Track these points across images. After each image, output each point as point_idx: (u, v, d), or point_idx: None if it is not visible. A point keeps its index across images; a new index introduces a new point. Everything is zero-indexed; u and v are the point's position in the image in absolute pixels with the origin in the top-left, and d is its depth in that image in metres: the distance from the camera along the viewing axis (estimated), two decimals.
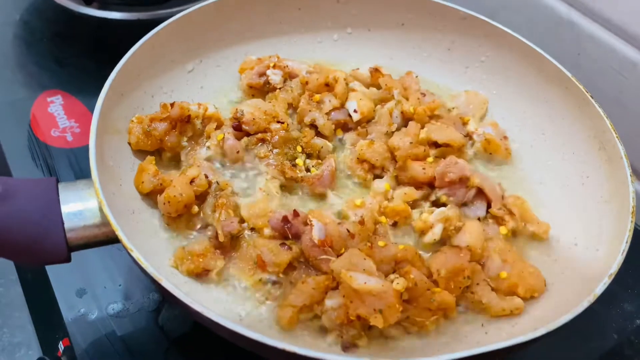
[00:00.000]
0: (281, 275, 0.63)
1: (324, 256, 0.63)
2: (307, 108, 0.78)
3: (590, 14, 0.92)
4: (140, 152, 0.72)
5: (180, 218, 0.67)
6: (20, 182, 0.60)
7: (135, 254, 0.55)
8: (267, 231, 0.65)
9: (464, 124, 0.81)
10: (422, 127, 0.77)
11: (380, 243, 0.64)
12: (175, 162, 0.74)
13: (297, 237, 0.65)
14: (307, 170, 0.73)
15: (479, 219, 0.71)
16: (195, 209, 0.67)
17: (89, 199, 0.61)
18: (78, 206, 0.60)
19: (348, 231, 0.66)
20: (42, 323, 0.79)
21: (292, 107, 0.81)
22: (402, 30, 0.91)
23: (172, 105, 0.72)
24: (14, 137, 0.90)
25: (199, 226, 0.67)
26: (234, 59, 0.87)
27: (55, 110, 0.94)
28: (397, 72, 0.88)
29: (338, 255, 0.63)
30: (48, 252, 0.58)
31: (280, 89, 0.82)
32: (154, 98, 0.78)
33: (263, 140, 0.74)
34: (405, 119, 0.79)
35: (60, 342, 0.71)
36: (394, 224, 0.70)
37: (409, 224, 0.71)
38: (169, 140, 0.72)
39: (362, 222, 0.67)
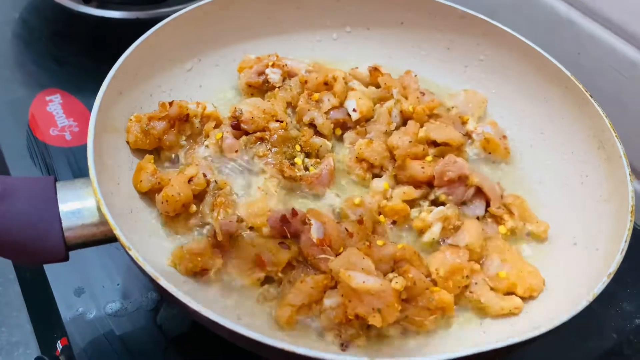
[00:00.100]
0: (280, 274, 0.63)
1: (323, 255, 0.63)
2: (306, 107, 0.78)
3: (590, 13, 0.92)
4: (139, 151, 0.72)
5: (178, 217, 0.67)
6: (18, 181, 0.60)
7: (134, 253, 0.55)
8: (265, 230, 0.65)
9: (463, 123, 0.81)
10: (421, 126, 0.76)
11: (379, 242, 0.64)
12: (174, 161, 0.74)
13: (295, 236, 0.65)
14: (306, 169, 0.73)
15: (478, 218, 0.71)
16: (194, 208, 0.67)
17: (87, 197, 0.60)
18: (76, 205, 0.60)
19: (347, 230, 0.66)
20: (41, 322, 0.79)
21: (291, 106, 0.81)
22: (401, 29, 0.90)
23: (170, 104, 0.72)
24: (13, 136, 0.90)
25: (197, 225, 0.67)
26: (233, 57, 0.87)
27: (54, 109, 0.94)
28: (396, 71, 0.87)
29: (337, 255, 0.63)
30: (46, 251, 0.58)
31: (279, 87, 0.82)
32: (152, 97, 0.78)
33: (262, 139, 0.74)
34: (405, 118, 0.79)
35: (59, 342, 0.71)
36: (393, 223, 0.70)
37: (408, 223, 0.71)
38: (167, 139, 0.72)
39: (360, 221, 0.67)
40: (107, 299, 0.72)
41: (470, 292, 0.64)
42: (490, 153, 0.79)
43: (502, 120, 0.83)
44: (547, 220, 0.72)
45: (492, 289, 0.65)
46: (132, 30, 0.77)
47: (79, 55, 1.04)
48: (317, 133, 0.77)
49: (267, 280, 0.64)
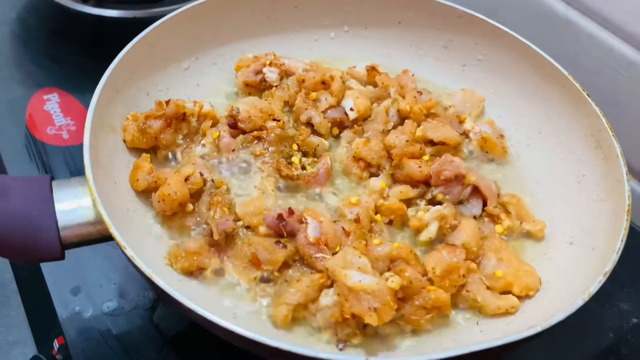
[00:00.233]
0: (276, 273, 0.63)
1: (319, 254, 0.63)
2: (303, 106, 0.78)
3: (588, 12, 0.92)
4: (136, 150, 0.72)
5: (175, 216, 0.66)
6: (14, 180, 0.60)
7: (129, 252, 0.55)
8: (262, 229, 0.65)
9: (461, 122, 0.81)
10: (418, 126, 0.76)
11: (376, 241, 0.64)
12: (171, 160, 0.74)
13: (292, 235, 0.65)
14: (303, 168, 0.73)
15: (474, 217, 0.71)
16: (190, 207, 0.67)
17: (83, 196, 0.60)
18: (72, 204, 0.60)
19: (343, 229, 0.65)
20: (37, 321, 0.79)
21: (289, 105, 0.81)
22: (399, 28, 0.90)
23: (167, 102, 0.72)
24: (10, 135, 0.90)
25: (193, 224, 0.67)
26: (230, 56, 0.87)
27: (52, 108, 0.94)
28: (393, 70, 0.87)
29: (333, 254, 0.63)
30: (42, 250, 0.58)
31: (276, 86, 0.82)
32: (149, 95, 0.78)
33: (259, 138, 0.74)
34: (402, 118, 0.79)
35: (55, 341, 0.71)
36: (390, 222, 0.70)
37: (404, 222, 0.71)
38: (164, 137, 0.72)
39: (357, 220, 0.67)
40: (104, 298, 0.72)
41: (467, 291, 0.64)
42: (487, 152, 0.79)
43: (499, 119, 0.83)
44: (543, 219, 0.72)
45: (488, 288, 0.65)
46: (130, 29, 0.77)
47: (77, 54, 1.04)
48: (315, 132, 0.77)
49: (264, 279, 0.64)
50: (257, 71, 0.83)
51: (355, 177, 0.75)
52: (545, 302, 0.64)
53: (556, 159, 0.78)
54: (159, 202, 0.65)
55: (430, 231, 0.67)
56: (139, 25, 0.77)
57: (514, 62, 0.83)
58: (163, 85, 0.80)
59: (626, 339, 0.75)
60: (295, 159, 0.73)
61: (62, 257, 0.60)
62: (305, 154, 0.75)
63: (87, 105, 0.66)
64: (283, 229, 0.64)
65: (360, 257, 0.61)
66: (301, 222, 0.65)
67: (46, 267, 0.74)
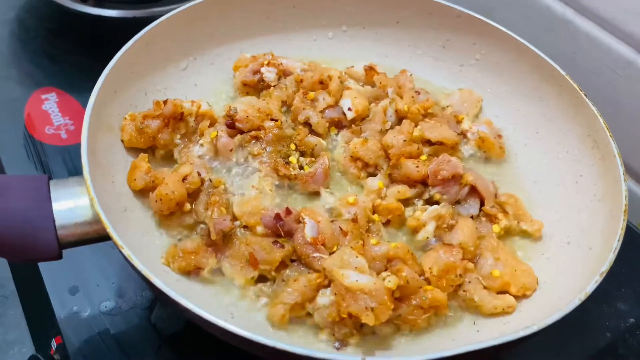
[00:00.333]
0: (273, 273, 0.63)
1: (317, 254, 0.63)
2: (301, 106, 0.78)
3: (585, 12, 0.92)
4: (133, 150, 0.72)
5: (172, 216, 0.67)
6: (11, 179, 0.60)
7: (126, 251, 0.55)
8: (259, 229, 0.65)
9: (458, 122, 0.81)
10: (416, 125, 0.76)
11: (373, 241, 0.64)
12: (168, 159, 0.74)
13: (289, 234, 0.65)
14: (301, 168, 0.73)
15: (472, 217, 0.71)
16: (188, 206, 0.67)
17: (80, 196, 0.60)
18: (69, 203, 0.60)
19: (341, 229, 0.66)
20: (35, 321, 0.80)
21: (286, 104, 0.81)
22: (396, 28, 0.90)
23: (165, 102, 0.72)
24: (8, 135, 0.90)
25: (191, 224, 0.67)
26: (228, 56, 0.87)
27: (50, 108, 0.94)
28: (391, 70, 0.87)
29: (330, 253, 0.63)
30: (39, 250, 0.58)
31: (274, 86, 0.82)
32: (147, 95, 0.78)
33: (256, 138, 0.74)
34: (400, 117, 0.79)
35: (53, 340, 0.71)
36: (387, 222, 0.70)
37: (402, 222, 0.71)
38: (161, 137, 0.72)
39: (355, 220, 0.67)
40: (102, 298, 0.72)
41: (464, 290, 0.64)
42: (485, 152, 0.79)
43: (497, 119, 0.84)
44: (541, 219, 0.72)
45: (485, 287, 0.65)
46: (129, 28, 0.77)
47: (76, 53, 1.04)
48: (312, 132, 0.77)
49: (261, 278, 0.64)
50: (255, 71, 0.83)
51: (352, 177, 0.75)
52: (542, 301, 0.64)
53: (554, 159, 0.78)
54: (156, 201, 0.65)
55: (428, 231, 0.68)
56: (138, 25, 0.77)
57: (512, 62, 0.83)
58: (161, 85, 0.80)
59: (623, 339, 0.75)
60: (293, 159, 0.73)
61: (59, 257, 0.60)
62: (303, 154, 0.75)
63: (85, 105, 0.66)
64: (280, 229, 0.65)
65: (357, 256, 0.61)
66: (299, 221, 0.65)
67: (44, 267, 0.74)
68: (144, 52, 0.76)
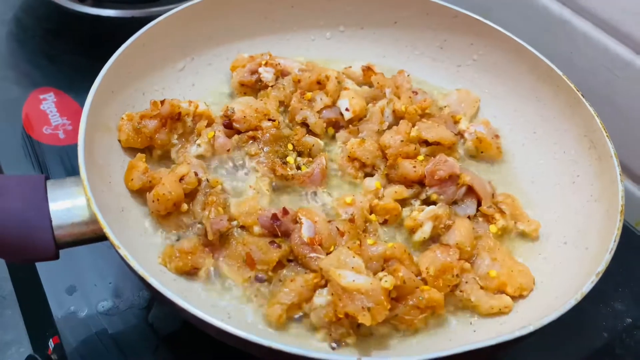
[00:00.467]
0: (270, 273, 0.63)
1: (313, 254, 0.63)
2: (298, 106, 0.78)
3: (583, 12, 0.92)
4: (131, 150, 0.72)
5: (169, 216, 0.67)
6: (8, 179, 0.60)
7: (123, 252, 0.55)
8: (256, 229, 0.65)
9: (456, 122, 0.81)
10: (413, 126, 0.77)
11: (370, 241, 0.64)
12: (166, 159, 0.74)
13: (286, 235, 0.65)
14: (298, 168, 0.73)
15: (469, 217, 0.71)
16: (185, 206, 0.67)
17: (77, 196, 0.60)
18: (66, 204, 0.60)
19: (338, 229, 0.66)
20: (33, 321, 0.80)
21: (284, 105, 0.81)
22: (394, 28, 0.91)
23: (162, 102, 0.72)
24: (6, 135, 0.90)
25: (188, 224, 0.67)
26: (226, 56, 0.87)
27: (48, 108, 0.94)
28: (389, 70, 0.88)
29: (327, 254, 0.63)
30: (36, 250, 0.58)
31: (272, 86, 0.82)
32: (145, 95, 0.78)
33: (254, 138, 0.74)
34: (397, 118, 0.79)
35: (51, 340, 0.71)
36: (384, 222, 0.71)
37: (399, 222, 0.71)
38: (159, 137, 0.72)
39: (352, 220, 0.67)
40: (99, 298, 0.72)
41: (461, 291, 0.64)
42: (482, 152, 0.79)
43: (494, 119, 0.84)
44: (538, 219, 0.72)
45: (482, 287, 0.65)
46: (127, 28, 0.77)
47: (74, 53, 1.04)
48: (310, 132, 0.77)
49: (258, 278, 0.64)
50: (252, 71, 0.83)
51: (350, 177, 0.75)
52: (539, 302, 0.64)
53: (551, 159, 0.78)
54: (153, 201, 0.65)
55: (425, 231, 0.68)
56: (136, 24, 0.77)
57: (509, 62, 0.84)
58: (159, 85, 0.80)
59: (620, 339, 0.75)
60: (290, 159, 0.73)
61: (56, 257, 0.60)
62: (300, 154, 0.75)
63: (83, 105, 0.66)
64: (277, 229, 0.65)
65: (354, 257, 0.61)
66: (295, 222, 0.65)
67: (41, 267, 0.74)
68: (142, 52, 0.76)
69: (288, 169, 0.72)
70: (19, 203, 0.58)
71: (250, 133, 0.74)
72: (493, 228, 0.70)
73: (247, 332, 0.51)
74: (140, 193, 0.68)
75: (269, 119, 0.74)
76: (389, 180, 0.74)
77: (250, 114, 0.74)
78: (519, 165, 0.80)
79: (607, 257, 0.60)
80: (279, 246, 0.64)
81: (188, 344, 0.69)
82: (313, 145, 0.75)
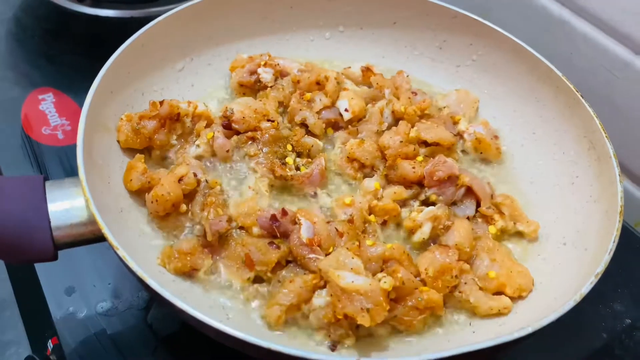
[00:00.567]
0: (269, 274, 0.63)
1: (312, 255, 0.63)
2: (297, 107, 0.78)
3: (582, 13, 0.92)
4: (130, 151, 0.72)
5: (168, 217, 0.67)
6: (7, 180, 0.60)
7: (121, 252, 0.55)
8: (255, 230, 0.65)
9: (455, 123, 0.81)
10: (412, 126, 0.76)
11: (369, 242, 0.64)
12: (165, 160, 0.74)
13: (285, 235, 0.65)
14: (297, 168, 0.73)
15: (468, 218, 0.71)
16: (184, 207, 0.67)
17: (76, 197, 0.60)
18: (65, 204, 0.60)
19: (337, 230, 0.66)
20: (32, 321, 0.79)
21: (283, 105, 0.81)
22: (393, 29, 0.91)
23: (161, 103, 0.72)
24: (5, 135, 0.90)
25: (187, 225, 0.67)
26: (226, 57, 0.87)
27: (47, 108, 0.94)
28: (388, 71, 0.88)
29: (326, 254, 0.63)
30: (34, 251, 0.58)
31: (271, 87, 0.82)
32: (144, 96, 0.78)
33: (253, 139, 0.74)
34: (396, 118, 0.79)
35: (49, 341, 0.71)
36: (384, 223, 0.70)
37: (398, 223, 0.71)
38: (158, 138, 0.72)
39: (351, 221, 0.67)
40: (98, 298, 0.72)
41: (460, 292, 0.64)
42: (481, 153, 0.79)
43: (493, 120, 0.84)
44: (537, 220, 0.72)
45: (481, 288, 0.65)
46: (126, 28, 0.77)
47: (73, 53, 1.04)
48: (309, 133, 0.77)
49: (257, 279, 0.64)
50: (251, 71, 0.83)
51: (349, 178, 0.75)
52: (538, 302, 0.64)
53: (550, 160, 0.78)
54: (152, 202, 0.65)
55: (424, 232, 0.68)
56: (135, 25, 0.77)
57: (509, 63, 0.84)
58: (158, 85, 0.80)
59: (620, 340, 0.75)
60: (290, 160, 0.73)
61: (54, 258, 0.60)
62: (299, 155, 0.75)
63: (82, 105, 0.66)
64: (276, 230, 0.65)
65: (353, 258, 0.61)
66: (295, 222, 0.65)
67: (40, 267, 0.74)
68: (141, 53, 0.76)
69: (287, 169, 0.72)
70: (18, 204, 0.58)
71: (250, 134, 0.73)
72: (492, 229, 0.70)
73: (245, 334, 0.50)
74: (139, 194, 0.68)
75: (268, 120, 0.74)
76: (388, 181, 0.73)
77: (250, 115, 0.74)
78: (518, 166, 0.80)
79: (606, 258, 0.60)
80: (278, 247, 0.64)
81: (187, 345, 0.69)
82: (312, 146, 0.75)
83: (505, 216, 0.71)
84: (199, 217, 0.66)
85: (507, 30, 0.83)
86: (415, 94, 0.81)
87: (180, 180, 0.66)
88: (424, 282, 0.63)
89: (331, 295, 0.59)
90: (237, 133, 0.74)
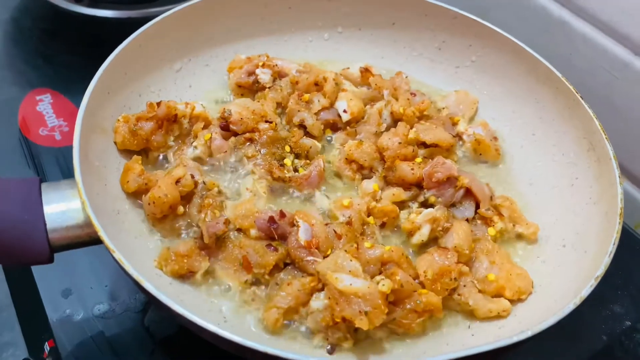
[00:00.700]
0: (267, 276, 0.63)
1: (310, 257, 0.63)
2: (296, 108, 0.77)
3: (581, 13, 0.91)
4: (127, 152, 0.72)
5: (165, 219, 0.66)
6: (2, 182, 0.59)
7: (117, 255, 0.55)
8: (253, 232, 0.65)
9: (454, 124, 0.80)
10: (411, 127, 0.76)
11: (367, 244, 0.63)
12: (162, 161, 0.73)
13: (283, 238, 0.65)
14: (295, 170, 0.73)
15: (467, 219, 0.70)
16: (181, 209, 0.66)
17: (72, 199, 0.60)
18: (61, 206, 0.60)
19: (335, 232, 0.65)
20: (29, 324, 0.79)
21: (281, 106, 0.80)
22: (392, 30, 0.90)
23: (158, 104, 0.72)
24: (3, 136, 0.90)
25: (184, 227, 0.67)
26: (224, 57, 0.87)
27: (44, 109, 0.93)
28: (387, 72, 0.87)
29: (324, 257, 0.63)
30: (30, 253, 0.58)
31: (269, 88, 0.82)
32: (141, 97, 0.77)
33: (251, 140, 0.73)
34: (395, 120, 0.79)
35: (46, 343, 0.70)
36: (382, 225, 0.70)
37: (397, 225, 0.71)
38: (155, 139, 0.71)
39: (349, 223, 0.67)
40: (95, 301, 0.71)
41: (459, 294, 0.64)
42: (480, 154, 0.79)
43: (493, 121, 0.83)
44: (536, 221, 0.72)
45: (480, 291, 0.64)
46: (124, 29, 0.76)
47: (70, 54, 1.04)
48: (307, 134, 0.77)
49: (255, 282, 0.64)
50: (249, 72, 0.82)
51: (347, 179, 0.74)
52: (538, 305, 0.64)
53: (549, 162, 0.78)
54: (149, 204, 0.64)
55: (423, 234, 0.67)
56: (133, 25, 0.77)
57: (508, 63, 0.83)
58: (155, 86, 0.80)
59: (620, 342, 0.74)
60: (288, 161, 0.73)
61: (50, 261, 0.60)
62: (297, 156, 0.75)
63: (79, 107, 0.66)
64: (274, 232, 0.64)
65: (351, 260, 0.61)
66: (292, 224, 0.65)
67: (37, 270, 0.73)
68: (138, 54, 0.76)
69: (285, 171, 0.71)
70: (13, 206, 0.57)
71: (247, 135, 0.73)
72: (491, 231, 0.70)
73: (242, 337, 0.50)
74: (136, 195, 0.68)
75: (266, 121, 0.74)
76: (387, 182, 0.73)
77: (247, 116, 0.74)
78: (518, 167, 0.79)
79: (606, 261, 0.59)
80: (276, 249, 0.63)
81: (184, 348, 0.68)
82: (310, 147, 0.75)
83: (504, 218, 0.71)
84: (196, 219, 0.66)
85: (507, 31, 0.83)
86: (414, 95, 0.81)
87: (177, 182, 0.66)
88: (422, 285, 0.63)
89: (329, 298, 0.59)
90: (235, 134, 0.74)
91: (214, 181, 0.70)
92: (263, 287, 0.63)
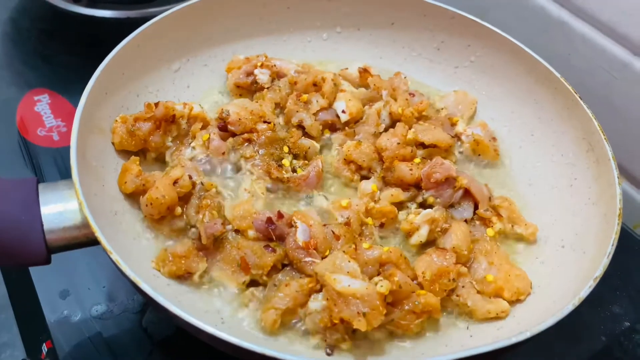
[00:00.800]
0: (265, 277, 0.63)
1: (308, 258, 0.62)
2: (294, 108, 0.77)
3: (580, 13, 0.91)
4: (125, 153, 0.72)
5: (163, 220, 0.66)
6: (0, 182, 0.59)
7: (114, 256, 0.54)
8: (251, 233, 0.65)
9: (453, 124, 0.80)
10: (410, 128, 0.76)
11: (365, 245, 0.63)
12: (160, 162, 0.73)
13: (281, 238, 0.64)
14: (294, 170, 0.73)
15: (465, 220, 0.70)
16: (179, 210, 0.66)
17: (69, 199, 0.60)
18: (58, 207, 0.59)
19: (333, 233, 0.65)
20: (26, 325, 0.79)
21: (280, 107, 0.80)
22: (391, 30, 0.90)
23: (156, 104, 0.71)
24: (0, 136, 0.90)
25: (182, 228, 0.67)
26: (222, 58, 0.86)
27: (42, 109, 0.93)
28: (386, 72, 0.87)
29: (323, 258, 0.63)
30: (27, 254, 0.57)
31: (267, 88, 0.81)
32: (139, 97, 0.77)
33: (249, 141, 0.73)
34: (393, 120, 0.79)
35: (44, 345, 0.70)
36: (381, 226, 0.70)
37: (395, 226, 0.70)
38: (153, 140, 0.71)
39: (348, 224, 0.67)
40: (93, 302, 0.71)
41: (457, 295, 0.64)
42: (479, 155, 0.78)
43: (492, 121, 0.83)
44: (535, 222, 0.72)
45: (479, 292, 0.64)
46: (122, 29, 0.76)
47: (69, 54, 1.04)
48: (306, 134, 0.77)
49: (253, 283, 0.64)
50: (248, 73, 0.82)
51: (346, 180, 0.74)
52: (536, 306, 0.64)
53: (548, 162, 0.78)
54: (147, 205, 0.64)
55: (421, 234, 0.67)
56: (131, 25, 0.76)
57: (507, 64, 0.83)
58: (153, 87, 0.79)
59: (619, 342, 0.74)
60: (286, 162, 0.73)
61: (47, 262, 0.60)
62: (296, 157, 0.74)
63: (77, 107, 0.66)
64: (272, 233, 0.64)
65: (349, 261, 0.60)
66: (291, 225, 0.65)
67: (35, 270, 0.73)
68: (136, 54, 0.76)
69: (283, 171, 0.71)
70: (10, 206, 0.57)
71: (246, 135, 0.73)
72: (490, 231, 0.70)
73: (239, 339, 0.50)
74: (133, 196, 0.67)
75: (265, 121, 0.74)
76: (385, 183, 0.73)
77: (246, 116, 0.73)
78: (516, 168, 0.79)
79: (605, 262, 0.59)
80: (274, 250, 0.63)
81: (182, 349, 0.68)
82: (309, 148, 0.75)
83: (503, 219, 0.71)
84: (194, 220, 0.66)
85: (505, 31, 0.82)
86: (413, 95, 0.81)
87: (175, 182, 0.66)
88: (421, 286, 0.63)
89: (327, 299, 0.58)
90: (233, 135, 0.74)
91: (211, 182, 0.69)
92: (261, 288, 0.63)
